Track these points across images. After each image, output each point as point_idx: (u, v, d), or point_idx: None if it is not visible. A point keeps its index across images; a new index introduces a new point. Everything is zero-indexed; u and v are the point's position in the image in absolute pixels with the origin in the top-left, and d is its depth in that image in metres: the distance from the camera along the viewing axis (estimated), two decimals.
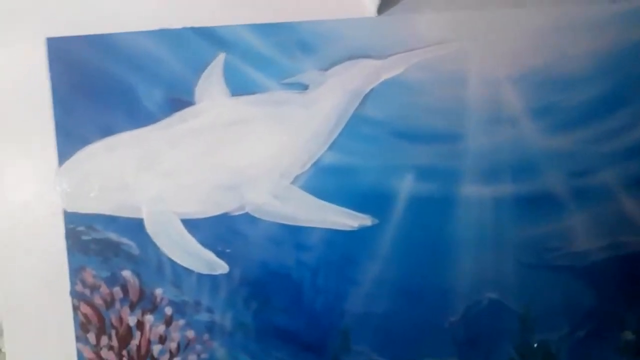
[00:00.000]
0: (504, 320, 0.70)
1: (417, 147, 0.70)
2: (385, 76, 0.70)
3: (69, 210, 0.75)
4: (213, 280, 0.74)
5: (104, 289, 0.75)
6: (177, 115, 0.73)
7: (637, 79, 0.67)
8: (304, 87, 0.72)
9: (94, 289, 0.75)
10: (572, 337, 0.70)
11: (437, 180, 0.70)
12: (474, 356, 0.71)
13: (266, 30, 0.71)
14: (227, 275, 0.74)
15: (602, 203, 0.68)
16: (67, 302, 0.76)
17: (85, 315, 0.76)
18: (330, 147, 0.72)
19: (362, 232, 0.71)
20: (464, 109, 0.69)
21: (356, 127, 0.71)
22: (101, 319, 0.75)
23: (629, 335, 0.69)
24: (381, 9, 0.68)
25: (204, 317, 0.75)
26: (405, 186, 0.70)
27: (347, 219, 0.71)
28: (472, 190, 0.70)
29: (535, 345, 0.70)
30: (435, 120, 0.69)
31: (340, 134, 0.71)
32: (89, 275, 0.75)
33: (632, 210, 0.68)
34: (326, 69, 0.71)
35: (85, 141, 0.74)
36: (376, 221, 0.71)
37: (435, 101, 0.69)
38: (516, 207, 0.69)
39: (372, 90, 0.71)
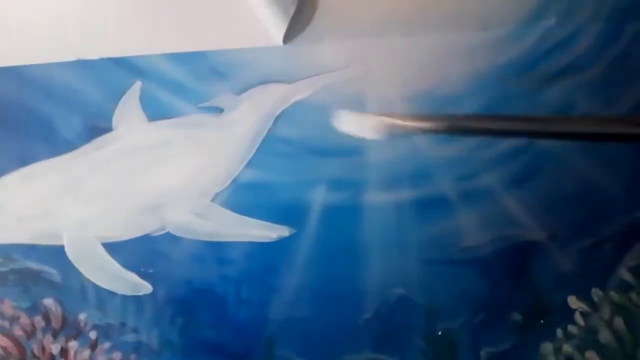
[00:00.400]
0: (411, 313, 0.75)
1: (327, 162, 0.74)
2: (294, 99, 0.74)
3: None
4: (137, 301, 0.74)
5: (24, 319, 0.74)
6: (96, 141, 0.74)
7: (505, 94, 0.75)
8: (219, 111, 0.75)
9: (13, 320, 0.74)
10: (470, 323, 0.75)
11: (345, 190, 0.74)
12: (387, 348, 0.75)
13: (180, 58, 0.73)
14: (152, 295, 0.74)
15: (486, 202, 0.75)
16: None
17: (4, 349, 0.73)
18: (247, 165, 0.74)
19: (280, 242, 0.74)
20: None
21: (271, 146, 0.74)
22: (22, 350, 0.74)
23: (516, 317, 0.75)
24: (286, 39, 0.73)
25: (130, 338, 0.75)
26: (318, 197, 0.74)
27: (266, 231, 0.74)
28: (376, 198, 0.74)
29: (440, 333, 0.75)
30: (340, 137, 0.71)
31: (256, 153, 0.74)
32: (7, 306, 0.74)
33: (511, 206, 0.75)
34: (239, 94, 0.74)
35: (1, 172, 0.73)
36: (293, 231, 0.74)
37: None
38: (415, 210, 0.75)
39: (283, 111, 0.74)
